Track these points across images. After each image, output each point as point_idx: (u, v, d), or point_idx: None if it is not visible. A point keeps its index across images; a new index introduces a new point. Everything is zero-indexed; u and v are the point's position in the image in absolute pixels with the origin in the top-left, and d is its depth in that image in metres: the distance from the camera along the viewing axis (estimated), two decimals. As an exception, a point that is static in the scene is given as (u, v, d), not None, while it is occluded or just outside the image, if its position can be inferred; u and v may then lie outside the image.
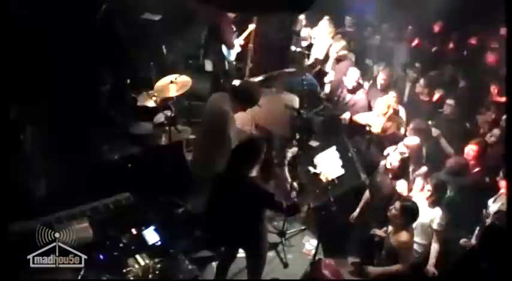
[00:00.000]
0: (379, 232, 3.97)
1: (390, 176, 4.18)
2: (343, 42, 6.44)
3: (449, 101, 4.87)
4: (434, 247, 3.82)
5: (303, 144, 4.84)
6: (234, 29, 6.20)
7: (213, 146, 3.81)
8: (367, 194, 4.43)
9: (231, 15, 5.93)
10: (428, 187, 3.87)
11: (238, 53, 6.43)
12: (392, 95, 5.06)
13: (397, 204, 3.60)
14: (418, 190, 4.10)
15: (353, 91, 5.54)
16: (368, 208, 4.43)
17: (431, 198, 3.85)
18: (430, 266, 3.77)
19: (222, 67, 6.22)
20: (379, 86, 5.57)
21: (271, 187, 4.62)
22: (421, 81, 5.43)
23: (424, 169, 4.40)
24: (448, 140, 4.64)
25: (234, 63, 6.46)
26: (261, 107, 3.94)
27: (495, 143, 4.43)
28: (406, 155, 4.11)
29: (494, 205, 3.86)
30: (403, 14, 6.89)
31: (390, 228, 3.75)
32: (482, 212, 3.92)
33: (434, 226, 3.81)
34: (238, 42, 6.31)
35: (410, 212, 3.55)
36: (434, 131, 4.67)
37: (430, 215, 3.83)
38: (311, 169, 3.50)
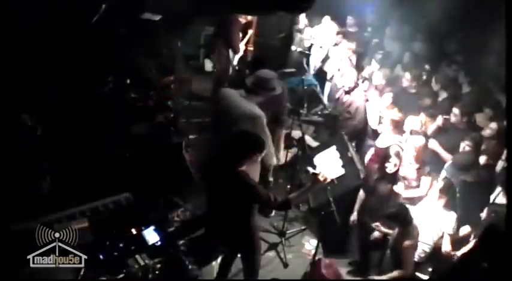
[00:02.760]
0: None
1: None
2: (350, 45, 6.42)
3: (455, 110, 4.71)
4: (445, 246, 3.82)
5: (303, 144, 4.84)
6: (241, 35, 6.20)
7: None
8: (361, 194, 4.43)
9: (242, 21, 5.93)
10: (438, 186, 3.85)
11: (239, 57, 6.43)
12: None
13: (381, 221, 3.70)
14: (427, 192, 4.08)
15: (350, 92, 5.54)
16: (365, 208, 4.44)
17: (442, 200, 3.82)
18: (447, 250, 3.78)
19: (227, 71, 6.20)
20: (378, 87, 5.59)
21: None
22: (407, 74, 5.40)
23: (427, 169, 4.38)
24: (452, 146, 4.58)
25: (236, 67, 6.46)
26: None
27: (492, 136, 4.42)
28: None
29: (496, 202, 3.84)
30: (404, 14, 6.89)
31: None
32: (483, 209, 3.90)
33: (447, 231, 3.77)
34: (242, 47, 6.29)
35: (397, 217, 3.58)
36: (431, 142, 4.65)
37: (444, 219, 3.80)
38: (310, 169, 3.49)
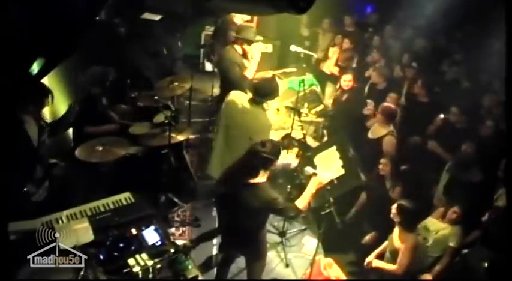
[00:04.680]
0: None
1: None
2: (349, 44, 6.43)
3: (454, 109, 4.74)
4: (445, 260, 3.76)
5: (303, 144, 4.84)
6: None
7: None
8: (363, 195, 4.43)
9: (238, 21, 5.94)
10: (455, 208, 3.79)
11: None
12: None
13: (395, 204, 3.62)
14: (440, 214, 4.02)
15: (348, 91, 5.54)
16: (364, 210, 4.44)
17: (456, 219, 3.79)
18: (428, 275, 3.74)
19: None
20: (378, 86, 5.58)
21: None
22: (419, 81, 5.39)
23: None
24: (452, 147, 4.57)
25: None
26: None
27: (491, 135, 4.41)
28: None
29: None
30: (403, 14, 6.89)
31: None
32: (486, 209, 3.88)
33: (451, 243, 3.74)
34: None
35: (407, 211, 3.55)
36: (430, 144, 4.65)
37: (450, 232, 3.78)
38: (309, 169, 3.49)
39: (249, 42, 4.85)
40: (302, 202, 3.25)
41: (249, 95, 4.00)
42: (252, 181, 3.16)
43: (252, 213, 3.18)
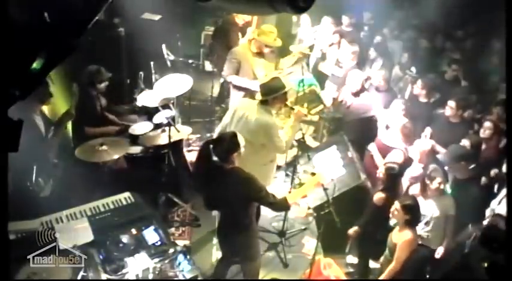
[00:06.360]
0: None
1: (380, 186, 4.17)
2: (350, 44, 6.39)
3: (450, 103, 4.73)
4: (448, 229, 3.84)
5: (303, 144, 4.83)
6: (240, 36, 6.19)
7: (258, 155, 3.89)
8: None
9: (239, 22, 5.93)
10: (438, 179, 3.82)
11: None
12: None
13: (397, 204, 3.59)
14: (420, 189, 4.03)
15: (357, 94, 5.43)
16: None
17: (440, 188, 3.83)
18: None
19: None
20: (380, 88, 5.54)
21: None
22: (419, 82, 5.38)
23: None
24: (448, 143, 4.57)
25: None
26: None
27: (490, 136, 4.41)
28: (394, 171, 4.00)
29: (499, 207, 3.80)
30: (403, 13, 6.89)
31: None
32: (484, 212, 3.88)
33: (451, 212, 3.79)
34: None
35: (412, 209, 3.54)
36: (429, 142, 4.65)
37: (444, 204, 3.81)
38: (310, 169, 3.49)
39: (268, 46, 5.06)
40: (293, 198, 3.23)
41: (258, 98, 4.06)
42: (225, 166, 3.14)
43: (230, 201, 3.17)
